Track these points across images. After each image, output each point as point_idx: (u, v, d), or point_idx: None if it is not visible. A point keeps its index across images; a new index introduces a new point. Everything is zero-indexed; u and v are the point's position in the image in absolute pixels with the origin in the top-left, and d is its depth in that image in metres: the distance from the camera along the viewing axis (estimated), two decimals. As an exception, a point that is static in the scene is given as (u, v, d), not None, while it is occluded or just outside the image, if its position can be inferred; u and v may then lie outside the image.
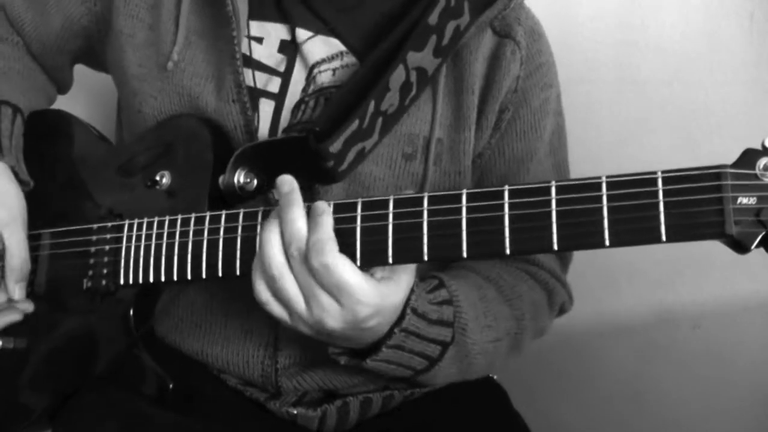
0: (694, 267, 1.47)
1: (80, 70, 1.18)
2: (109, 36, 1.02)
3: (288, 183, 0.78)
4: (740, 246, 0.65)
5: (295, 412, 0.97)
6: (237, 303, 0.98)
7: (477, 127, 0.97)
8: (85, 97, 1.31)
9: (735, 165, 0.65)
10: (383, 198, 0.77)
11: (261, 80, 0.97)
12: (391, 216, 0.76)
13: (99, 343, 0.96)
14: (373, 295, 0.75)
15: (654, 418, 1.56)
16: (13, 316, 0.96)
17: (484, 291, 0.92)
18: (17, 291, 0.95)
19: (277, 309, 0.79)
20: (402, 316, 0.82)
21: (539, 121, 1.00)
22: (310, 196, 0.91)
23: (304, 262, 0.75)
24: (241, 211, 0.83)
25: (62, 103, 1.17)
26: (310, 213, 0.76)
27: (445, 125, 0.96)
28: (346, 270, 0.74)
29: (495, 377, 1.15)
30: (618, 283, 1.53)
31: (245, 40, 0.97)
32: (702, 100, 1.44)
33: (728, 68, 1.43)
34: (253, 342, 0.98)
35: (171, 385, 0.92)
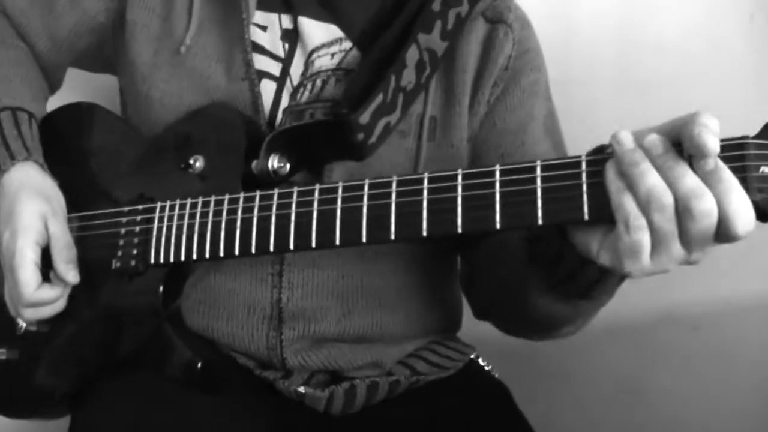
0: (694, 267, 1.47)
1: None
2: (120, 28, 1.06)
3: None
4: (764, 214, 0.66)
5: (303, 391, 0.97)
6: (240, 280, 0.99)
7: (474, 102, 1.03)
8: (78, 97, 1.31)
9: (757, 137, 0.66)
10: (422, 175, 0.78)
11: (264, 64, 1.02)
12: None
13: (126, 323, 0.97)
14: None
15: (654, 418, 1.56)
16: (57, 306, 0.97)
17: None
18: (70, 272, 0.94)
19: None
20: None
21: (528, 99, 1.04)
22: (316, 177, 0.97)
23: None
24: (276, 191, 0.86)
25: (57, 101, 1.17)
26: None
27: (438, 104, 1.02)
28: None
29: (496, 375, 1.15)
30: (618, 282, 1.53)
31: (252, 28, 1.02)
32: (702, 100, 1.44)
33: (728, 68, 1.44)
34: (257, 315, 0.99)
35: (199, 365, 0.92)
